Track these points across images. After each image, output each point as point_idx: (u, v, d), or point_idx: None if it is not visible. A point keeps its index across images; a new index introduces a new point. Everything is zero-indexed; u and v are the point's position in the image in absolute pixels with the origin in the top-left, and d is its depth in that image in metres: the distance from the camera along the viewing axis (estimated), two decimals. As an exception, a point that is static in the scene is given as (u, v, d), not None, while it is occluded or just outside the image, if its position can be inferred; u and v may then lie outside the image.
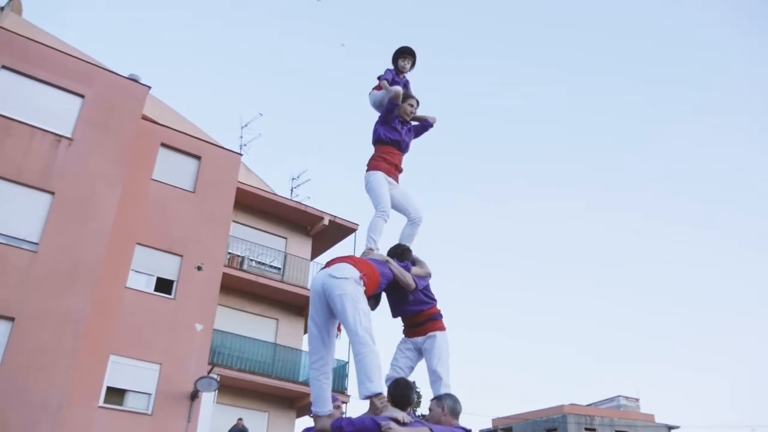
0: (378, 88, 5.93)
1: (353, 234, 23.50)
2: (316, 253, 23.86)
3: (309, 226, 22.99)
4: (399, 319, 5.16)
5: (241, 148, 23.12)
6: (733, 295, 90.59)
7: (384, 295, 4.94)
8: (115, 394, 15.53)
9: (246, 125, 23.72)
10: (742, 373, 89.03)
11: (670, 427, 44.75)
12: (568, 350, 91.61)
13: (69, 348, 14.03)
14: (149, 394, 15.84)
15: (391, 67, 6.12)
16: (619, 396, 48.79)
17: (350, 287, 4.19)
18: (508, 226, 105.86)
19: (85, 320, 14.42)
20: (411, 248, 5.28)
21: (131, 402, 15.72)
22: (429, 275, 5.11)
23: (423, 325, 5.00)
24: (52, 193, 15.07)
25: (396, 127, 5.68)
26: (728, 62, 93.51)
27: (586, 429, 42.44)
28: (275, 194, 22.65)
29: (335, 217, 22.86)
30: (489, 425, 45.87)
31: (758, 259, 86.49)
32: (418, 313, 5.00)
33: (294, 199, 23.77)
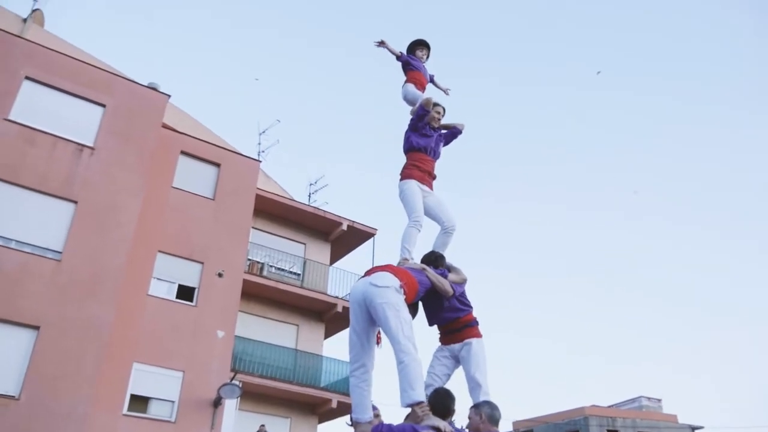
0: (410, 81, 5.95)
1: (372, 239, 23.50)
2: (335, 258, 23.88)
3: (328, 232, 23.00)
4: (434, 327, 5.12)
5: (259, 155, 23.22)
6: (756, 294, 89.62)
7: (420, 304, 4.91)
8: (139, 402, 15.59)
9: (264, 132, 23.84)
10: (765, 372, 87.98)
11: (694, 428, 44.26)
12: (590, 351, 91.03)
13: (93, 356, 14.11)
14: (172, 402, 15.88)
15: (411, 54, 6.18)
16: (641, 396, 48.33)
17: (392, 295, 4.21)
18: (524, 226, 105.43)
19: (108, 328, 14.50)
20: (444, 255, 5.24)
21: (155, 409, 15.76)
22: (465, 281, 5.09)
23: (459, 332, 4.98)
24: (75, 202, 15.18)
25: (427, 134, 5.66)
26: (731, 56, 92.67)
27: (608, 431, 42.09)
28: (294, 200, 22.70)
29: (353, 222, 22.86)
30: (509, 428, 45.60)
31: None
32: (454, 320, 4.98)
33: (312, 204, 23.80)
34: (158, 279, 16.88)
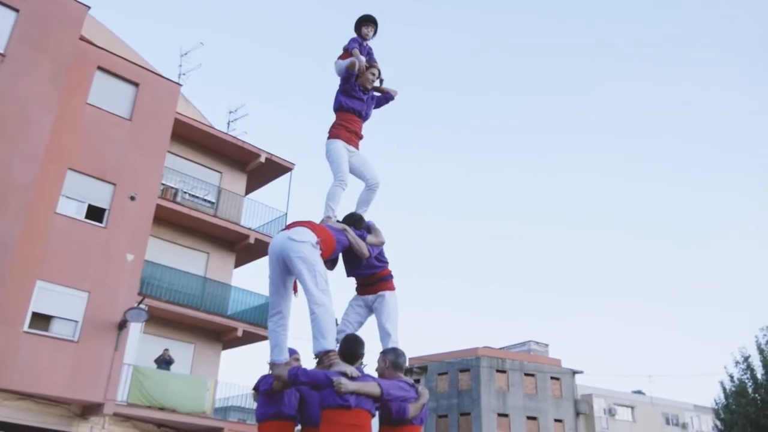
0: (343, 57, 6.03)
1: (289, 173, 23.50)
2: (250, 189, 23.80)
3: (245, 162, 22.84)
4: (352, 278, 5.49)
5: (179, 77, 22.55)
6: (646, 238, 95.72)
7: (340, 256, 5.25)
8: (41, 320, 15.39)
9: (186, 54, 23.09)
10: (642, 324, 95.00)
11: (575, 372, 47.66)
12: (488, 293, 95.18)
13: (-5, 271, 13.80)
14: (76, 322, 15.75)
15: (354, 35, 6.22)
16: (530, 341, 51.33)
17: (307, 250, 4.50)
18: (434, 171, 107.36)
19: (14, 244, 14.17)
20: (364, 216, 5.56)
21: (57, 328, 15.61)
22: (383, 243, 5.41)
23: (374, 285, 5.37)
24: (-19, 111, 14.48)
25: (357, 96, 5.82)
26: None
27: (497, 371, 44.66)
28: (212, 127, 22.31)
29: (272, 154, 22.76)
30: (406, 364, 47.49)
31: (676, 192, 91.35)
32: (370, 275, 5.35)
33: (231, 133, 23.46)
34: (67, 197, 16.43)
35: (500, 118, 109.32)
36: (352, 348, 4.50)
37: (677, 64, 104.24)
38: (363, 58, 5.90)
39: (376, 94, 6.14)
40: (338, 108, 5.86)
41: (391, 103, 6.27)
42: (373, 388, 4.16)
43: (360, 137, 5.94)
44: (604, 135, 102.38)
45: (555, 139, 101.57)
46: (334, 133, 5.75)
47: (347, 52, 6.00)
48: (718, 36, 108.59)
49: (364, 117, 5.97)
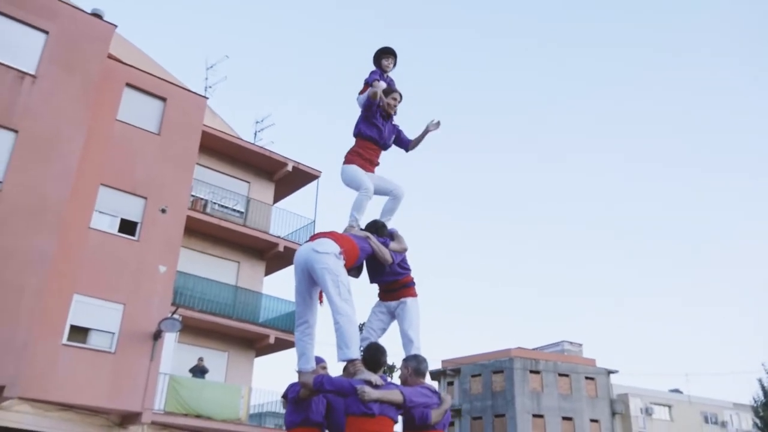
0: (363, 91, 6.01)
1: (316, 180, 23.75)
2: (278, 198, 24.10)
3: (272, 171, 23.13)
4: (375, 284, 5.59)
5: (206, 90, 22.92)
6: (679, 243, 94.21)
7: (364, 263, 5.35)
8: (79, 333, 15.79)
9: (211, 67, 23.44)
10: (678, 323, 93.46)
11: (610, 371, 47.12)
12: (521, 295, 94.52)
13: (34, 287, 14.19)
14: (112, 333, 16.13)
15: (374, 68, 6.21)
16: (563, 341, 50.92)
17: (331, 261, 4.61)
18: (458, 174, 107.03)
19: (50, 260, 14.56)
20: (387, 224, 5.63)
21: (95, 340, 16.00)
22: (405, 250, 5.50)
23: (397, 291, 5.45)
24: (16, 131, 14.91)
25: (376, 123, 5.80)
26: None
27: (531, 371, 44.38)
28: (239, 138, 22.65)
29: (298, 163, 23.03)
30: (438, 366, 47.49)
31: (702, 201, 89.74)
32: (393, 281, 5.44)
33: (258, 143, 23.78)
34: (100, 212, 16.82)
35: (522, 119, 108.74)
36: (374, 356, 4.60)
37: (696, 65, 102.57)
38: (383, 83, 5.88)
39: (404, 135, 6.10)
40: (357, 134, 5.87)
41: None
42: (395, 396, 4.26)
43: (376, 164, 5.93)
44: (625, 137, 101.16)
45: (582, 140, 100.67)
46: (349, 159, 5.79)
47: (368, 85, 5.97)
48: (728, 27, 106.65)
49: (383, 146, 5.95)
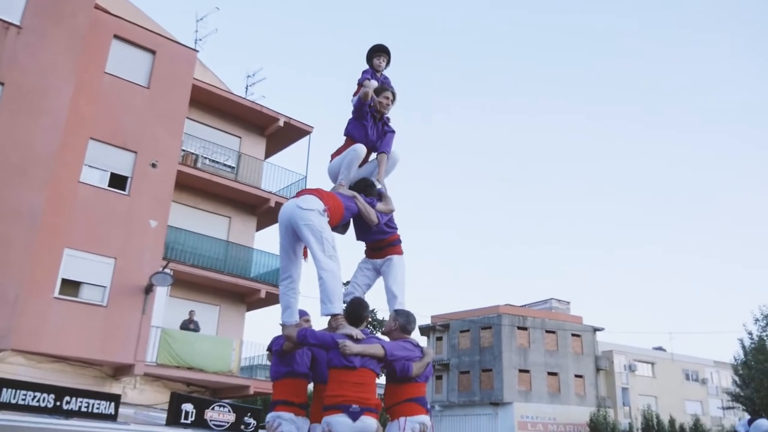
0: (357, 92, 5.85)
1: (307, 136, 23.63)
2: (269, 153, 24.00)
3: (263, 126, 22.99)
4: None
5: (196, 43, 22.57)
6: (671, 199, 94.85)
7: (351, 221, 5.40)
8: (71, 286, 15.91)
9: (201, 19, 23.04)
10: (663, 281, 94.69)
11: (596, 329, 47.91)
12: (511, 252, 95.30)
13: (23, 241, 14.25)
14: (104, 287, 16.25)
15: (367, 67, 6.06)
16: (552, 299, 51.57)
17: (314, 218, 4.68)
18: (463, 131, 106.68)
19: (40, 214, 14.56)
20: (375, 183, 5.59)
21: (86, 294, 16.14)
22: (392, 211, 5.52)
23: (383, 250, 5.54)
24: (2, 84, 14.73)
25: (364, 124, 5.67)
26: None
27: (518, 328, 45.06)
28: (231, 93, 22.44)
29: (290, 118, 22.86)
30: (428, 322, 48.11)
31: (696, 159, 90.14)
32: (379, 240, 5.52)
33: (249, 97, 23.56)
34: (90, 166, 16.76)
35: (523, 81, 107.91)
36: (356, 311, 4.71)
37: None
38: (374, 83, 5.77)
39: (391, 129, 5.90)
40: (345, 133, 5.78)
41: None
42: (376, 350, 4.38)
43: (365, 163, 5.80)
44: (614, 102, 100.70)
45: (571, 100, 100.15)
46: (334, 157, 5.75)
47: (360, 86, 5.83)
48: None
49: (369, 145, 5.74)
